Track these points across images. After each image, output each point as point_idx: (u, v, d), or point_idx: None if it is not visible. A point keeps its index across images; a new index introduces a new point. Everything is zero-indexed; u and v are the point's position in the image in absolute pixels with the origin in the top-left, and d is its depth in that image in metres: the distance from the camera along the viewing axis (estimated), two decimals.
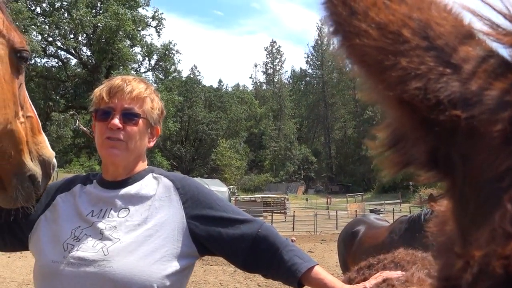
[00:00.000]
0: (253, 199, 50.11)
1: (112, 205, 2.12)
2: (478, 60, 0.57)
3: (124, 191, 2.15)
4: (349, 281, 2.30)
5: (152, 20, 68.12)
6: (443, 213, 0.67)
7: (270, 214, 38.73)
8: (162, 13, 69.75)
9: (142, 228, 2.05)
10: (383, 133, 0.66)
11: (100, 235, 2.02)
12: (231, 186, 58.61)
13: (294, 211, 37.45)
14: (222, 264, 15.60)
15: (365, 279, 2.18)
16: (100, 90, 2.16)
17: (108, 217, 2.08)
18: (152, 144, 2.25)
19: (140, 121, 2.13)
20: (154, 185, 2.18)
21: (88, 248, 1.99)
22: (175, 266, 2.04)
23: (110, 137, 2.09)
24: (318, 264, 2.13)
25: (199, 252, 2.14)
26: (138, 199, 2.13)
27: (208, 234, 2.11)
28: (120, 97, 2.12)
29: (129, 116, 2.11)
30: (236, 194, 55.49)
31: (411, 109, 0.59)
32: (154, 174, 2.23)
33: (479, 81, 0.56)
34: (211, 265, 15.95)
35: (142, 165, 2.25)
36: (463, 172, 0.57)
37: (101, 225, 2.05)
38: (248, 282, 13.58)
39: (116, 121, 2.07)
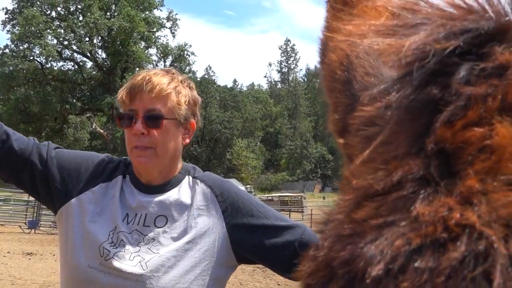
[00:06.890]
0: (270, 198, 49.92)
1: (148, 212, 1.97)
2: (374, 88, 0.55)
3: (161, 198, 2.00)
4: None
5: (167, 21, 68.51)
6: None
7: (288, 213, 38.62)
8: (177, 14, 69.93)
9: (181, 240, 1.94)
10: None
11: (138, 247, 1.91)
12: (248, 186, 58.66)
13: (311, 210, 37.14)
14: None
15: None
16: (122, 92, 1.98)
17: (144, 225, 1.95)
18: (188, 140, 2.07)
19: (166, 122, 1.93)
20: (191, 191, 2.04)
21: (126, 259, 1.88)
22: (214, 279, 1.97)
23: (137, 146, 1.93)
24: None
25: (237, 261, 2.04)
26: (176, 207, 1.99)
27: (249, 244, 2.01)
28: (140, 98, 1.93)
29: (152, 119, 1.92)
30: (253, 193, 55.46)
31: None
32: (191, 178, 2.08)
33: (365, 109, 0.54)
34: None
35: (178, 166, 2.09)
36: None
37: (137, 234, 1.94)
38: (268, 281, 13.53)
39: (139, 125, 1.90)
